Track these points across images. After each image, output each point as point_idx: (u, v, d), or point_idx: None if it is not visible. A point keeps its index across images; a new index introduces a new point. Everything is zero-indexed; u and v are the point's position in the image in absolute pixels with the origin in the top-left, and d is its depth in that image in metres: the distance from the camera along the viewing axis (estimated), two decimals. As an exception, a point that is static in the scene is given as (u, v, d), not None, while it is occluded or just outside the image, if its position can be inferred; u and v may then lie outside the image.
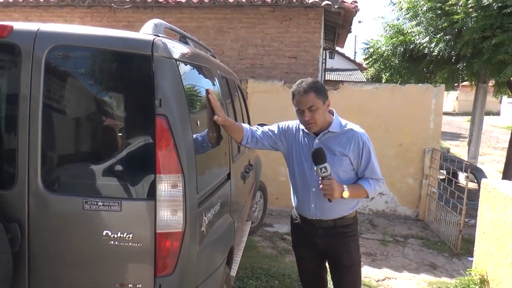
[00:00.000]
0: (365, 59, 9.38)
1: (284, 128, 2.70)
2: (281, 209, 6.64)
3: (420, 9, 6.75)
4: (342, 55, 19.11)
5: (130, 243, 1.90)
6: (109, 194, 1.92)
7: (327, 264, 2.83)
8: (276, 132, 2.70)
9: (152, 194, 1.88)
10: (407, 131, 6.32)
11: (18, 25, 1.95)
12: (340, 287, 2.71)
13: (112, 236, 1.89)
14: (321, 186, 2.39)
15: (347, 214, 2.60)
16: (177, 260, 1.93)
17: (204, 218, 2.19)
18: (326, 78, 15.21)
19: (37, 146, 1.88)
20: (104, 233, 1.89)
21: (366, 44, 9.06)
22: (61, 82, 1.97)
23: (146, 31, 2.10)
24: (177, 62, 2.04)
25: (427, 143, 6.31)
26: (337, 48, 13.86)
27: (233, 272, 3.44)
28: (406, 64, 7.96)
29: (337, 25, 8.89)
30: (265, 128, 2.75)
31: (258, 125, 2.96)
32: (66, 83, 1.99)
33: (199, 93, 2.39)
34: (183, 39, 2.78)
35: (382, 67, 8.48)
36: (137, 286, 1.93)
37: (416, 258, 5.09)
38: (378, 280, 4.45)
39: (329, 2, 6.91)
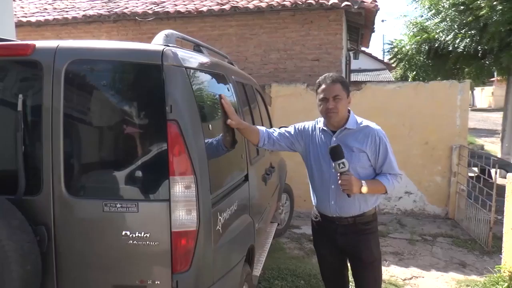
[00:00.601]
0: (390, 58, 9.29)
1: (301, 128, 2.77)
2: (308, 211, 6.57)
3: (442, 5, 6.66)
4: (370, 55, 18.92)
5: (147, 242, 2.01)
6: (127, 197, 2.04)
7: (348, 262, 2.86)
8: (292, 133, 2.76)
9: (166, 195, 1.99)
10: (432, 129, 6.24)
11: (40, 43, 2.11)
12: (361, 284, 2.73)
13: (130, 236, 2.01)
14: (339, 181, 2.44)
15: (367, 211, 2.63)
16: (192, 258, 2.03)
17: (220, 217, 2.28)
18: (352, 79, 15.11)
19: (59, 154, 2.02)
20: (123, 233, 2.01)
21: (389, 44, 8.97)
22: (79, 93, 2.12)
23: (157, 42, 2.22)
24: (187, 70, 2.15)
25: (454, 140, 6.21)
26: (364, 49, 13.78)
27: (257, 272, 3.53)
28: (432, 62, 7.85)
29: (359, 25, 8.87)
30: (282, 129, 2.82)
31: (280, 128, 3.03)
32: (84, 94, 2.14)
33: (212, 98, 2.50)
34: (197, 48, 2.90)
35: (407, 66, 8.37)
36: (156, 282, 2.03)
37: (444, 257, 5.01)
38: (405, 279, 4.42)
39: (349, 3, 6.92)
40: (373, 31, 9.32)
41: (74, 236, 2.07)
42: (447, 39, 7.01)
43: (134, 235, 2.01)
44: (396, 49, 8.39)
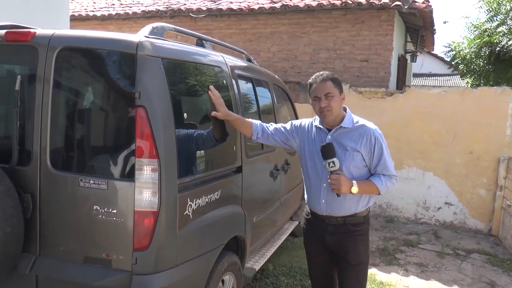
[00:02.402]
0: (447, 62, 8.79)
1: (297, 125, 2.78)
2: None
3: (503, 8, 6.21)
4: (442, 59, 17.92)
5: (114, 218, 2.18)
6: (99, 174, 2.22)
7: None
8: (288, 128, 2.78)
9: (132, 175, 2.14)
10: (478, 138, 5.87)
11: (40, 31, 2.36)
12: (344, 285, 2.70)
13: (100, 210, 2.19)
14: (328, 180, 2.45)
15: (358, 212, 2.60)
16: (152, 237, 2.16)
17: (190, 203, 2.39)
18: (413, 83, 14.48)
19: (47, 131, 2.25)
20: (94, 208, 2.19)
21: (447, 47, 8.49)
22: (66, 78, 2.34)
23: (143, 33, 2.38)
24: (165, 60, 2.28)
25: (502, 151, 5.79)
26: (434, 52, 13.12)
27: (256, 266, 3.59)
28: (492, 67, 7.33)
29: (418, 26, 8.50)
30: (279, 125, 2.85)
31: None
32: (70, 79, 2.36)
33: (196, 89, 2.62)
34: (200, 42, 3.03)
35: (465, 71, 7.88)
36: (120, 257, 2.19)
37: (473, 274, 4.72)
38: (419, 292, 4.24)
39: (399, 3, 6.68)
40: (434, 33, 8.88)
41: (55, 206, 2.29)
42: (509, 43, 6.51)
43: (103, 210, 2.19)
44: (454, 52, 7.90)
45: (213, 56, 2.90)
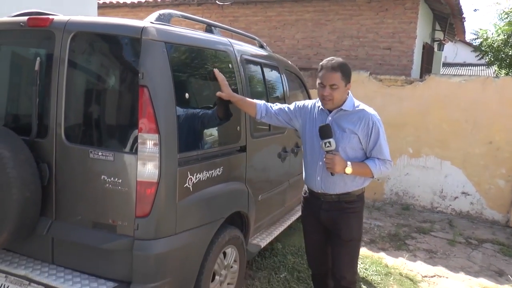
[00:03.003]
0: (474, 50, 8.58)
1: (301, 106, 2.90)
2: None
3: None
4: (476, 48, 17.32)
5: (119, 187, 2.40)
6: (106, 147, 2.45)
7: None
8: (292, 109, 2.91)
9: (135, 149, 2.36)
10: (498, 128, 5.80)
11: (58, 18, 2.59)
12: (336, 261, 2.81)
13: (107, 180, 2.42)
14: (324, 159, 2.58)
15: (352, 190, 2.71)
16: (152, 206, 2.37)
17: (191, 176, 2.58)
18: (443, 73, 14.14)
19: (62, 107, 2.49)
20: (102, 177, 2.42)
21: (474, 34, 8.29)
22: (79, 60, 2.56)
23: (150, 20, 2.57)
24: (168, 44, 2.46)
25: (523, 142, 5.69)
26: (463, 40, 12.76)
27: (262, 243, 3.78)
28: (522, 56, 7.14)
29: (446, 14, 8.34)
30: (283, 105, 2.97)
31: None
32: (82, 61, 2.59)
33: (199, 72, 2.80)
34: (209, 28, 3.21)
35: (492, 59, 7.70)
36: (124, 223, 2.42)
37: (482, 262, 4.74)
38: (425, 276, 4.32)
39: (423, -10, 6.61)
40: (463, 21, 8.69)
41: (68, 175, 2.54)
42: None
43: (110, 180, 2.41)
44: (481, 40, 7.71)
45: (218, 41, 3.07)
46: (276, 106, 2.95)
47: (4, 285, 2.58)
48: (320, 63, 2.65)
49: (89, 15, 4.98)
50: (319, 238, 2.92)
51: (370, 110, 2.70)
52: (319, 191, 2.75)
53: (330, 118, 2.68)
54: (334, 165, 2.54)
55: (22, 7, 3.04)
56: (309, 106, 2.86)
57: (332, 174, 2.60)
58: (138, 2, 8.99)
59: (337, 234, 2.76)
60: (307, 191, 2.91)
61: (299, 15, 8.44)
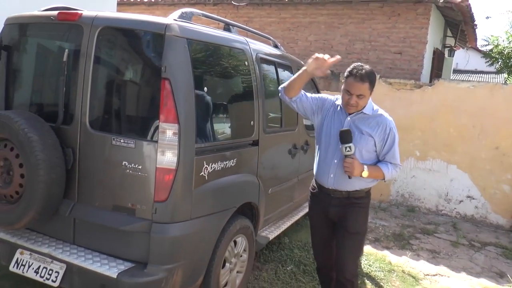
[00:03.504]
0: (484, 56, 8.65)
1: (322, 102, 2.89)
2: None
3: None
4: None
5: (139, 173, 2.56)
6: (128, 135, 2.61)
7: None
8: (315, 103, 2.88)
9: (156, 137, 2.51)
10: (505, 134, 5.88)
11: (86, 12, 2.76)
12: (341, 252, 2.87)
13: (128, 166, 2.57)
14: (344, 163, 2.66)
15: (361, 188, 2.82)
16: (170, 191, 2.52)
17: (206, 166, 2.74)
18: (455, 79, 14.16)
19: (87, 97, 2.66)
20: (123, 163, 2.58)
21: (485, 40, 8.37)
22: (106, 53, 2.73)
23: (173, 17, 2.73)
24: (189, 41, 2.62)
25: (529, 149, 5.78)
26: (475, 47, 12.80)
27: (271, 235, 3.92)
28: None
29: (458, 21, 8.43)
30: (312, 98, 2.91)
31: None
32: (109, 54, 2.75)
33: (217, 67, 2.95)
34: (227, 27, 3.36)
35: (503, 66, 7.78)
36: (143, 207, 2.57)
37: (484, 264, 4.84)
38: (427, 274, 4.43)
39: (435, -4, 6.72)
40: (475, 28, 8.77)
41: (91, 160, 2.70)
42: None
43: (130, 166, 2.57)
44: (491, 47, 7.79)
45: (235, 39, 3.22)
46: (308, 96, 2.91)
47: (29, 262, 2.74)
48: (348, 69, 2.66)
49: (109, 11, 5.16)
50: (326, 233, 3.00)
51: (387, 116, 2.79)
52: (331, 188, 2.83)
53: (349, 119, 2.75)
54: (353, 169, 2.62)
55: (48, 2, 3.21)
56: (329, 103, 2.88)
57: (349, 177, 2.69)
58: (155, 0, 9.19)
59: (343, 226, 2.85)
60: (316, 187, 2.98)
61: (312, 17, 8.58)
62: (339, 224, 2.89)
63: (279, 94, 2.94)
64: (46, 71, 3.02)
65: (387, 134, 2.72)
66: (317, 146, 2.95)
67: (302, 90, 2.88)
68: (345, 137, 2.64)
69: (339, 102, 2.82)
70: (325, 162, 2.85)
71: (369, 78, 2.62)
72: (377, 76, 6.80)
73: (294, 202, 4.52)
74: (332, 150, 2.79)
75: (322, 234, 3.03)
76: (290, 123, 4.09)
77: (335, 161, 2.77)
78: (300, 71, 2.76)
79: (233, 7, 9.08)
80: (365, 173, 2.65)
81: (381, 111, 2.78)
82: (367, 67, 2.66)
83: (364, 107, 2.71)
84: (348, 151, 2.62)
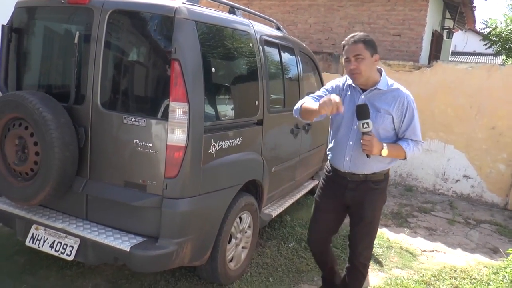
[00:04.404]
0: (482, 39, 8.72)
1: (333, 87, 2.76)
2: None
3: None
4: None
5: (150, 150, 2.66)
6: (139, 114, 2.70)
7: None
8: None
9: (166, 116, 2.60)
10: (502, 114, 5.99)
11: (96, -4, 2.83)
12: (356, 239, 2.83)
13: (139, 143, 2.67)
14: (361, 141, 2.49)
15: (379, 171, 2.68)
16: (180, 168, 2.63)
17: (214, 143, 2.84)
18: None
19: (98, 77, 2.74)
20: (134, 141, 2.68)
21: (483, 23, 8.42)
22: (116, 35, 2.80)
23: (181, 0, 2.79)
24: (198, 23, 2.69)
25: (525, 129, 5.90)
26: (473, 29, 12.83)
27: (273, 213, 4.05)
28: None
29: (457, 3, 8.47)
30: (321, 98, 2.64)
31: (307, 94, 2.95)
32: (119, 35, 2.82)
33: (222, 48, 3.04)
34: (232, 10, 3.43)
35: (500, 48, 7.85)
36: (153, 183, 2.68)
37: (479, 240, 5.00)
38: (424, 250, 4.57)
39: (435, -22, 6.75)
40: (474, 10, 8.81)
41: (103, 139, 2.80)
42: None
43: (141, 143, 2.67)
44: (490, 29, 7.85)
45: (241, 22, 3.30)
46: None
47: (44, 237, 2.86)
48: (342, 42, 2.60)
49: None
50: (333, 218, 2.89)
51: (404, 89, 2.63)
52: (347, 171, 2.69)
53: (363, 97, 2.60)
54: (373, 147, 2.46)
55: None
56: (340, 84, 2.75)
57: (368, 156, 2.53)
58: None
59: (359, 214, 2.76)
60: (331, 170, 2.84)
61: (312, 0, 8.58)
62: (354, 211, 2.79)
63: (295, 115, 2.84)
64: (57, 53, 3.10)
65: (405, 108, 2.56)
66: (331, 130, 2.83)
67: (315, 101, 2.68)
68: (362, 112, 2.47)
69: (350, 81, 2.68)
70: (340, 144, 2.72)
71: (362, 39, 2.50)
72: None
73: (296, 181, 4.64)
74: (347, 131, 2.67)
75: (327, 218, 2.90)
76: (293, 104, 4.17)
77: (351, 143, 2.64)
78: (312, 107, 2.58)
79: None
80: (384, 152, 2.49)
81: (397, 85, 2.62)
82: (360, 33, 2.58)
83: (378, 82, 2.57)
84: (366, 127, 2.45)
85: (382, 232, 4.90)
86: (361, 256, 2.84)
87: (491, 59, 17.86)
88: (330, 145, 2.82)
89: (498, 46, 7.90)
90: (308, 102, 2.72)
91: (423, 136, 6.46)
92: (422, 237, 4.93)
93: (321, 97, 2.69)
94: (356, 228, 2.82)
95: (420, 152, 2.69)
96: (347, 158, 2.66)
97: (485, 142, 6.16)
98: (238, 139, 3.13)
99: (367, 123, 2.45)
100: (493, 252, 4.73)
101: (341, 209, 2.85)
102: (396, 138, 2.65)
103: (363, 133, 2.48)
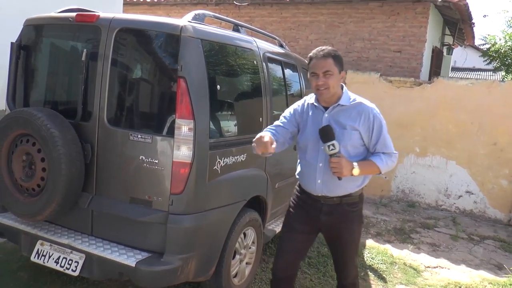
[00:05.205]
0: (482, 56, 8.81)
1: (292, 113, 2.64)
2: (368, 196, 6.89)
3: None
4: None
5: (156, 167, 2.69)
6: (146, 131, 2.73)
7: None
8: (292, 123, 2.62)
9: (172, 133, 2.64)
10: (503, 130, 6.03)
11: (103, 14, 2.88)
12: (339, 263, 2.74)
13: (145, 160, 2.70)
14: (330, 164, 2.38)
15: (353, 191, 2.55)
16: (186, 184, 2.65)
17: (219, 160, 2.86)
18: (453, 76, 14.31)
19: (105, 94, 2.78)
20: (140, 157, 2.71)
21: (483, 39, 8.52)
22: (123, 52, 2.85)
23: (187, 19, 2.85)
24: (203, 41, 2.75)
25: (526, 145, 5.93)
26: (473, 45, 12.98)
27: (277, 228, 4.04)
28: (528, 62, 7.37)
29: (456, 20, 8.57)
30: (279, 127, 2.62)
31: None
32: (126, 53, 2.88)
33: (228, 66, 3.08)
34: (236, 28, 3.49)
35: (500, 64, 7.93)
36: (159, 199, 2.70)
37: (483, 256, 4.98)
38: (428, 266, 4.56)
39: (434, -4, 6.86)
40: (472, 26, 8.92)
41: (109, 155, 2.83)
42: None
43: (147, 160, 2.70)
44: (489, 46, 7.93)
45: (245, 39, 3.36)
46: (278, 134, 2.57)
47: (49, 252, 2.87)
48: (309, 55, 2.49)
49: (115, 12, 5.27)
50: (303, 240, 2.71)
51: (368, 103, 2.53)
52: (320, 194, 2.54)
53: (326, 115, 2.50)
54: (342, 168, 2.35)
55: (57, 4, 3.33)
56: (300, 107, 2.64)
57: (339, 178, 2.41)
58: (158, 0, 9.30)
59: (338, 240, 2.65)
60: (303, 192, 2.67)
61: (313, 16, 8.68)
62: (332, 235, 2.66)
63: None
64: (64, 70, 3.16)
65: (371, 122, 2.46)
66: (298, 151, 2.69)
67: (271, 133, 2.51)
68: (326, 134, 2.38)
69: (311, 100, 2.58)
70: (309, 167, 2.57)
71: (332, 55, 2.41)
72: (377, 74, 6.97)
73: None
74: (315, 153, 2.52)
75: (298, 239, 2.69)
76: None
77: (320, 165, 2.50)
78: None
79: (234, 7, 9.18)
80: (356, 171, 2.38)
81: (360, 99, 2.52)
82: (328, 47, 2.48)
83: (340, 98, 2.48)
84: (333, 149, 2.35)
85: (386, 248, 4.89)
86: (349, 278, 2.75)
87: (490, 75, 18.00)
88: (299, 169, 2.68)
89: (498, 62, 7.98)
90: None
91: (425, 152, 6.56)
92: (426, 253, 4.92)
93: (278, 126, 2.60)
94: (338, 254, 2.72)
95: (394, 164, 2.58)
96: (319, 181, 2.52)
97: (487, 158, 6.18)
98: (243, 155, 3.16)
99: (333, 145, 2.35)
100: (498, 268, 4.71)
101: (313, 231, 2.70)
102: (367, 153, 2.55)
103: (331, 155, 2.37)
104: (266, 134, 2.37)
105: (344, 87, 2.56)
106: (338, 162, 2.35)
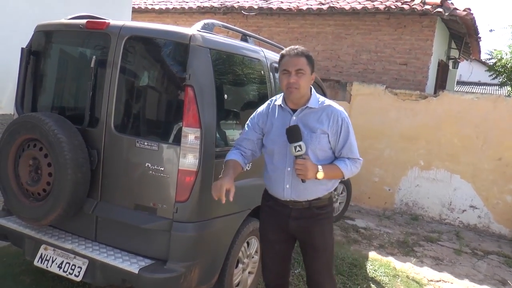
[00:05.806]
0: (488, 70, 8.81)
1: (255, 121, 2.61)
2: (371, 209, 6.93)
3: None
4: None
5: (161, 174, 2.70)
6: (152, 138, 2.75)
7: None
8: (254, 136, 2.61)
9: (178, 141, 2.65)
10: (508, 145, 6.01)
11: (113, 22, 2.91)
12: (312, 270, 2.65)
13: (151, 167, 2.72)
14: (295, 165, 2.35)
15: (322, 195, 2.52)
16: (191, 192, 2.66)
17: (224, 169, 2.87)
18: (458, 90, 14.31)
19: (113, 101, 2.80)
20: (146, 164, 2.72)
21: (489, 54, 8.53)
22: (132, 60, 2.88)
23: (196, 28, 2.88)
24: (212, 50, 2.77)
25: (532, 160, 5.91)
26: (478, 59, 12.99)
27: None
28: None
29: (462, 34, 8.60)
30: (243, 141, 2.64)
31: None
32: (135, 61, 2.91)
33: (236, 75, 3.11)
34: (244, 37, 3.52)
35: (506, 79, 7.93)
36: (164, 206, 2.71)
37: (487, 272, 4.95)
38: (431, 280, 4.53)
39: (440, 10, 6.89)
40: (479, 40, 8.94)
41: (115, 162, 2.84)
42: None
43: (153, 167, 2.71)
44: (495, 60, 7.94)
45: (252, 49, 3.38)
46: (244, 148, 2.62)
47: (53, 257, 2.87)
48: (281, 52, 2.49)
49: (124, 19, 5.33)
50: (282, 248, 2.69)
51: (337, 106, 2.51)
52: (288, 199, 2.51)
53: (294, 118, 2.45)
54: (307, 170, 2.31)
55: (69, 10, 3.38)
56: (264, 111, 2.60)
57: (303, 181, 2.38)
58: (166, 8, 9.39)
59: (310, 245, 2.58)
60: (270, 199, 2.65)
61: (320, 28, 8.74)
62: (304, 241, 2.62)
63: None
64: (73, 76, 3.19)
65: (339, 125, 2.43)
66: (266, 155, 2.64)
67: (239, 153, 2.60)
68: (293, 134, 2.33)
69: (279, 101, 2.54)
70: (276, 172, 2.52)
71: (305, 54, 2.40)
72: (383, 87, 6.98)
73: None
74: (282, 157, 2.48)
75: (278, 250, 2.68)
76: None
77: (289, 169, 2.45)
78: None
79: (242, 16, 9.26)
80: (320, 174, 2.34)
81: (328, 102, 2.50)
82: (302, 46, 2.46)
83: (309, 100, 2.45)
84: (299, 150, 2.31)
85: (388, 261, 4.87)
86: None
87: (496, 89, 17.97)
88: (266, 173, 2.64)
89: (504, 77, 7.98)
90: (226, 157, 2.59)
91: (429, 165, 6.54)
92: (429, 267, 4.88)
93: (243, 140, 2.61)
94: (310, 260, 2.64)
95: (358, 170, 2.53)
96: (287, 186, 2.48)
97: (491, 173, 6.15)
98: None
99: (300, 146, 2.31)
100: (502, 284, 4.68)
101: (287, 238, 2.65)
102: (335, 157, 2.51)
103: (296, 157, 2.33)
104: (225, 178, 2.40)
105: (313, 90, 2.53)
106: (303, 164, 2.32)
